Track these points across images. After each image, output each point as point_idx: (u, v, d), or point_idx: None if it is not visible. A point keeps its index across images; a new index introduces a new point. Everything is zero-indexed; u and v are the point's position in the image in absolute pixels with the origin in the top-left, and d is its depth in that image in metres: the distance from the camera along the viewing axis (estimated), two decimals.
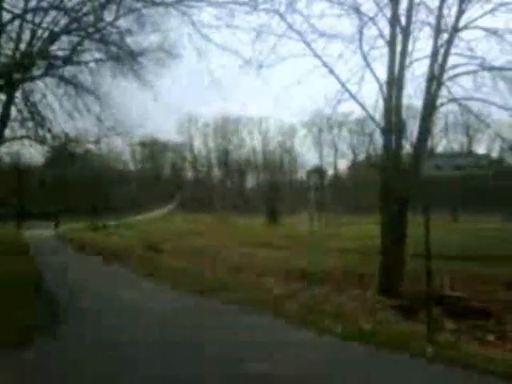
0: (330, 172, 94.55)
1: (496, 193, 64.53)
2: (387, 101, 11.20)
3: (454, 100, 11.82)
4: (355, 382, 5.42)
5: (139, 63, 19.80)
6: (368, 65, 11.61)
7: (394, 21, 11.27)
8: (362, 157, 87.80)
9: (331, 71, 11.64)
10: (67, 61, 18.93)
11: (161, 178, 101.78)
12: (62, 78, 19.65)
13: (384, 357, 6.33)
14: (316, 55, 11.63)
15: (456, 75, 11.56)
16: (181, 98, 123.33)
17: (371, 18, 11.63)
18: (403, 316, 9.02)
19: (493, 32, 11.16)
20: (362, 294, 10.77)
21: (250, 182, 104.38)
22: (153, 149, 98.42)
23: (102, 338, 7.30)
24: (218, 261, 17.28)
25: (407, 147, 13.38)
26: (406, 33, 11.30)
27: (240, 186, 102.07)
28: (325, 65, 11.64)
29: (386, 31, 11.41)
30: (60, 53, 19.21)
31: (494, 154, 65.43)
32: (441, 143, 75.95)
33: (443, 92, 11.63)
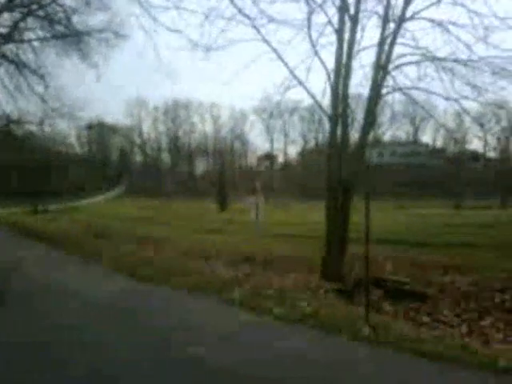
0: (281, 158, 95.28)
1: (440, 180, 66.76)
2: (334, 88, 11.32)
3: (399, 89, 12.06)
4: (291, 362, 5.52)
5: (85, 43, 19.23)
6: (316, 52, 11.68)
7: (342, 8, 11.35)
8: (312, 143, 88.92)
9: (280, 57, 11.65)
10: (8, 38, 18.15)
11: (108, 161, 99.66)
12: (3, 56, 18.85)
13: (323, 338, 6.48)
14: (265, 40, 11.61)
15: (401, 65, 11.78)
16: (130, 81, 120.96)
17: (320, 5, 11.68)
18: (344, 299, 9.25)
19: (437, 23, 11.42)
20: (306, 278, 10.93)
21: (201, 167, 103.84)
22: (100, 132, 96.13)
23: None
24: (167, 246, 17.14)
25: (355, 135, 13.62)
26: (355, 21, 11.40)
27: (190, 171, 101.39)
28: (274, 51, 11.63)
29: (335, 19, 11.50)
30: (1, 29, 18.41)
31: (438, 143, 67.56)
32: (388, 132, 77.89)
33: (389, 81, 11.86)
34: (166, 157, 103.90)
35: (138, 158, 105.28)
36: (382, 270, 11.70)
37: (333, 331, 6.75)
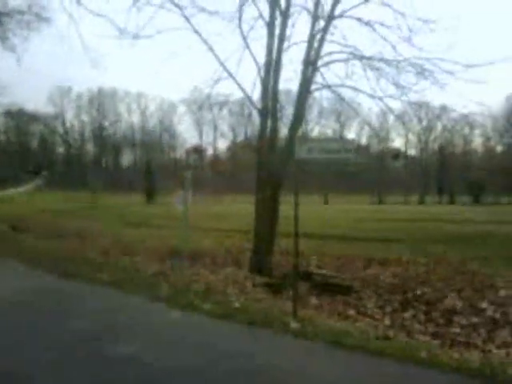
0: (210, 152, 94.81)
1: (364, 176, 68.92)
2: (264, 83, 11.32)
3: (327, 86, 12.24)
4: (218, 358, 5.44)
5: (4, 24, 18.16)
6: (247, 45, 11.63)
7: (273, 3, 11.36)
8: (242, 137, 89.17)
9: (210, 49, 11.50)
10: None
11: (28, 151, 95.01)
12: None
13: (250, 333, 6.45)
14: (195, 31, 11.42)
15: (330, 62, 11.96)
16: (53, 68, 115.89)
17: None
18: (273, 293, 9.29)
19: (365, 23, 11.67)
20: (235, 273, 10.90)
21: (127, 159, 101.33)
22: (19, 119, 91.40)
23: None
24: (91, 241, 16.57)
25: (284, 130, 13.70)
26: (285, 16, 11.44)
27: (116, 163, 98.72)
28: (204, 41, 11.47)
29: (266, 13, 11.49)
30: None
31: (363, 140, 69.67)
32: (315, 128, 79.48)
33: (318, 78, 12.01)
34: (90, 148, 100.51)
35: (60, 148, 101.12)
36: (309, 264, 11.87)
37: (261, 325, 6.73)
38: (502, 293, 9.04)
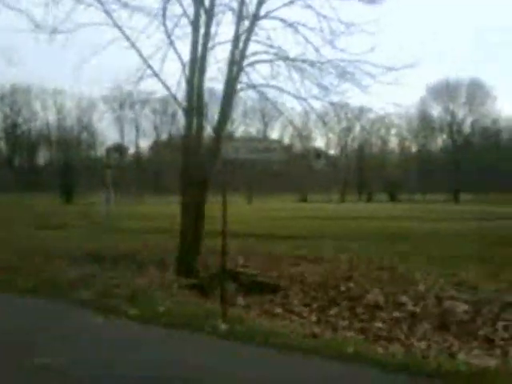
0: (132, 151, 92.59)
1: (287, 175, 70.02)
2: (190, 81, 11.19)
3: (252, 86, 12.31)
4: (142, 364, 5.28)
5: None
6: (171, 43, 11.46)
7: (197, 1, 11.24)
8: (165, 136, 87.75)
9: (133, 45, 11.22)
10: None
11: None
12: None
13: (178, 337, 6.34)
14: (117, 26, 11.07)
15: (255, 62, 12.03)
16: None
17: None
18: (200, 295, 9.19)
19: (289, 24, 11.83)
20: (161, 275, 10.70)
21: (43, 158, 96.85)
22: None
23: None
24: (4, 244, 15.68)
25: (209, 129, 13.61)
26: (210, 15, 11.36)
27: (31, 162, 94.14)
28: (126, 37, 11.16)
29: (191, 11, 11.35)
30: None
31: (286, 140, 70.77)
32: (240, 127, 79.75)
33: (243, 78, 12.03)
34: (1, 146, 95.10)
35: None
36: (236, 264, 11.86)
37: (188, 328, 6.62)
38: (422, 287, 9.44)
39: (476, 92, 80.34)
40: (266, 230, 20.86)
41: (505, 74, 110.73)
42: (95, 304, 7.75)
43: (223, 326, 6.67)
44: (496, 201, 61.79)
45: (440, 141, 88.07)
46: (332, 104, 13.05)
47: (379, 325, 7.65)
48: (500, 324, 7.22)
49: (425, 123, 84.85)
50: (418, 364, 5.21)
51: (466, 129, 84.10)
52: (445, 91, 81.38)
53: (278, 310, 8.57)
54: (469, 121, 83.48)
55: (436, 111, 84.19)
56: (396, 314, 8.09)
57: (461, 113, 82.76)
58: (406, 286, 9.66)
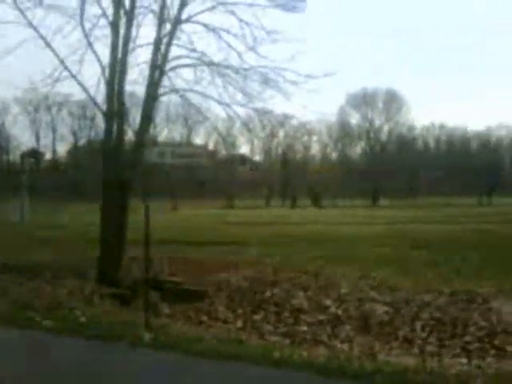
0: (48, 156, 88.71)
1: (213, 181, 69.84)
2: (109, 84, 10.86)
3: (175, 91, 12.14)
4: (55, 378, 5.02)
5: None
6: (90, 44, 11.07)
7: (117, 2, 10.95)
8: (83, 141, 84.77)
9: (48, 45, 10.73)
10: None
11: None
12: None
13: (97, 348, 6.08)
14: (31, 25, 10.56)
15: (178, 66, 11.87)
16: None
17: None
18: (123, 304, 8.91)
19: (211, 29, 11.78)
20: (81, 285, 10.28)
21: None
22: None
23: None
24: None
25: (130, 134, 13.27)
26: (130, 17, 11.10)
27: None
28: (41, 37, 10.66)
29: (110, 11, 11.03)
30: None
31: (211, 146, 70.58)
32: (163, 132, 78.64)
33: (166, 82, 11.84)
34: None
35: None
36: (160, 272, 11.61)
37: (110, 339, 6.37)
38: (344, 290, 9.65)
39: (392, 101, 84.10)
40: (192, 237, 20.63)
41: (420, 84, 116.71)
42: (9, 316, 7.30)
43: (146, 336, 6.48)
44: (413, 205, 64.82)
45: (359, 147, 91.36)
46: (256, 110, 13.12)
47: (304, 328, 7.74)
48: (418, 324, 7.50)
49: (344, 130, 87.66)
50: (340, 366, 5.28)
51: (384, 136, 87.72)
52: (363, 100, 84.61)
53: (204, 318, 8.48)
54: (386, 128, 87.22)
55: (355, 119, 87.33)
56: (320, 317, 8.21)
57: (378, 121, 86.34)
58: (329, 289, 9.85)
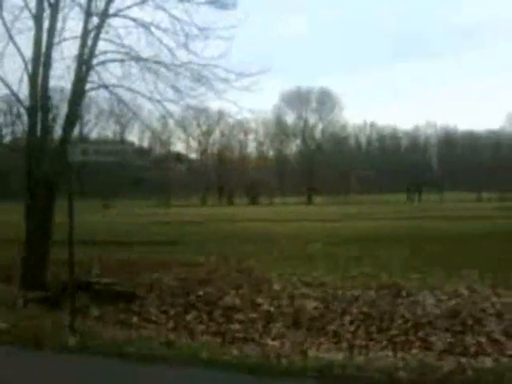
0: None
1: (147, 179, 68.70)
2: (33, 79, 10.40)
3: (103, 86, 11.79)
4: None
5: None
6: (11, 37, 10.55)
7: None
8: (8, 138, 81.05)
9: None
10: None
11: None
12: None
13: (17, 356, 5.80)
14: None
15: (106, 61, 11.54)
16: None
17: None
18: (49, 308, 8.57)
19: (141, 24, 11.52)
20: (4, 289, 9.82)
21: None
22: None
23: None
24: None
25: (59, 131, 12.77)
26: (55, 9, 10.66)
27: None
28: None
29: (33, 4, 10.56)
30: None
31: (145, 144, 69.39)
32: (94, 130, 76.42)
33: (94, 77, 11.48)
34: None
35: None
36: (89, 273, 11.27)
37: (33, 345, 6.10)
38: (276, 287, 9.71)
39: (325, 100, 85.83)
40: (124, 237, 20.18)
41: (352, 84, 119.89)
42: None
43: (72, 340, 6.26)
44: (346, 203, 66.51)
45: (295, 146, 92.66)
46: (189, 108, 12.95)
47: (236, 326, 7.71)
48: (347, 318, 7.64)
49: (280, 129, 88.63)
50: (270, 364, 5.29)
51: (318, 134, 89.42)
52: (297, 98, 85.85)
53: (134, 319, 8.27)
54: (320, 127, 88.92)
55: (290, 117, 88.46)
56: (252, 314, 8.20)
57: (312, 119, 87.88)
58: (262, 286, 9.87)
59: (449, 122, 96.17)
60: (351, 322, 7.48)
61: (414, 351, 6.31)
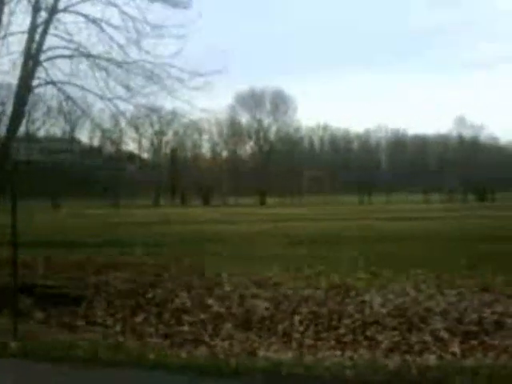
0: None
1: (97, 179, 67.33)
2: None
3: (51, 82, 11.51)
4: None
5: None
6: None
7: None
8: None
9: None
10: None
11: None
12: None
13: None
14: None
15: (54, 57, 11.28)
16: None
17: None
18: None
19: (92, 20, 11.31)
20: None
21: None
22: None
23: None
24: None
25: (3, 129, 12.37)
26: (1, 3, 10.35)
27: None
28: None
29: None
30: None
31: (96, 143, 67.89)
32: (43, 128, 74.24)
33: (42, 73, 11.18)
34: None
35: None
36: (34, 275, 10.91)
37: None
38: (227, 288, 9.66)
39: (279, 101, 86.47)
40: (73, 238, 19.69)
41: (306, 86, 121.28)
42: None
43: (14, 344, 6.06)
44: (299, 204, 67.11)
45: (248, 147, 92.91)
46: (141, 106, 12.80)
47: (185, 328, 7.63)
48: (296, 318, 7.69)
49: (234, 129, 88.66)
50: (218, 365, 5.26)
51: (272, 136, 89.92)
52: (251, 100, 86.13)
53: (80, 322, 8.07)
54: (274, 128, 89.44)
55: (244, 118, 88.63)
56: (202, 316, 8.13)
57: (266, 121, 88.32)
58: (213, 287, 9.80)
59: (399, 126, 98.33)
60: (301, 322, 7.53)
61: (362, 350, 6.42)
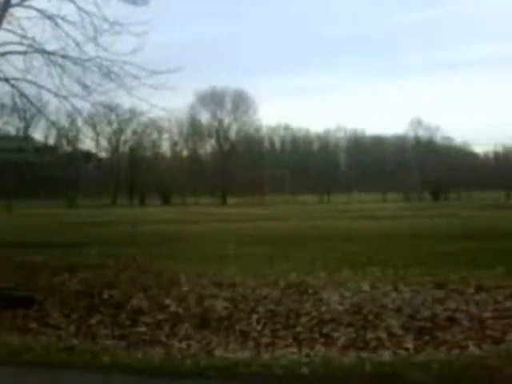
0: None
1: (52, 179, 65.76)
2: None
3: (4, 79, 11.20)
4: None
5: None
6: None
7: None
8: None
9: None
10: None
11: None
12: None
13: None
14: None
15: (7, 53, 10.97)
16: None
17: None
18: None
19: (47, 16, 11.05)
20: None
21: None
22: None
23: None
24: None
25: None
26: None
27: None
28: None
29: None
30: None
31: (51, 141, 66.23)
32: None
33: None
34: None
35: None
36: None
37: None
38: (185, 288, 9.59)
39: (240, 100, 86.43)
40: (26, 238, 19.15)
41: (267, 86, 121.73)
42: None
43: None
44: (259, 203, 67.39)
45: (209, 146, 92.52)
46: (98, 104, 12.58)
47: (142, 329, 7.54)
48: (254, 317, 7.70)
49: (194, 128, 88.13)
50: (174, 366, 5.22)
51: (232, 135, 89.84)
52: (212, 98, 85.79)
53: (33, 325, 7.87)
54: (234, 128, 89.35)
55: (205, 117, 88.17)
56: (159, 316, 8.06)
57: (227, 120, 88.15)
58: (171, 288, 9.71)
59: (357, 126, 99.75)
60: (258, 321, 7.55)
61: (318, 347, 6.49)
